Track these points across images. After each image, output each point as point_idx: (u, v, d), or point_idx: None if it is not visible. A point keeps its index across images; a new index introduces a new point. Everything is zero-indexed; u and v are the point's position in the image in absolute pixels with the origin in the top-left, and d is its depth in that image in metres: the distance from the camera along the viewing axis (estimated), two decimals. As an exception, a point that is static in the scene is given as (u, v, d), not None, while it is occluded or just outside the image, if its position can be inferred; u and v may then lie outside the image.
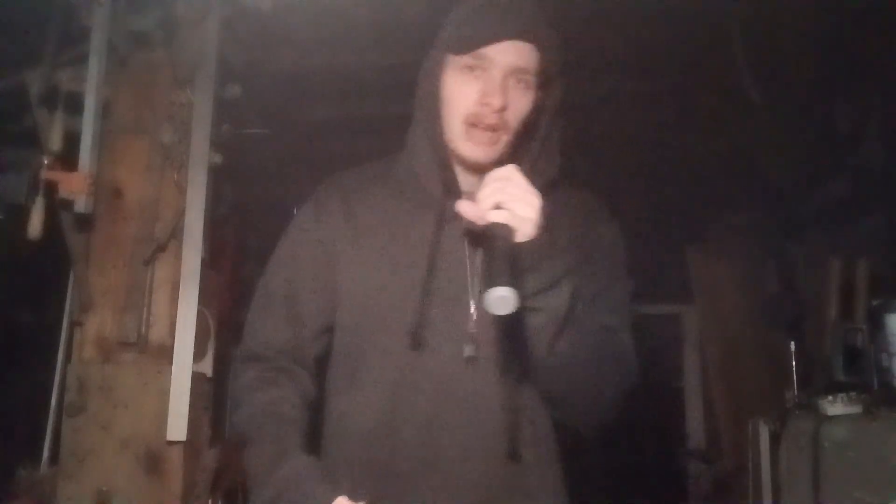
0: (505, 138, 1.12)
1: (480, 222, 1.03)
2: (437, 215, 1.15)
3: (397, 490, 1.11)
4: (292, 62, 2.60)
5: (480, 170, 1.11)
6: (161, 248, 2.05)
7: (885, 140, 2.63)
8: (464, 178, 1.18)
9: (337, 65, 2.65)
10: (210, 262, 2.12)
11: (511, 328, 1.07)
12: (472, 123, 1.11)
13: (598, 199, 1.30)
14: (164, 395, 1.93)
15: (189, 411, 1.92)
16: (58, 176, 1.93)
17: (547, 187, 1.10)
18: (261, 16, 2.16)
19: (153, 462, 1.93)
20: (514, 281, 0.95)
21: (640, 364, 1.19)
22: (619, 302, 1.19)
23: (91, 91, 1.97)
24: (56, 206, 1.97)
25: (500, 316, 0.97)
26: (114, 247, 2.07)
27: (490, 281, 0.95)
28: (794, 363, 2.61)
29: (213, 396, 2.19)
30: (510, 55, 1.10)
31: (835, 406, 2.09)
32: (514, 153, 1.15)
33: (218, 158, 2.10)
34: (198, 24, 2.11)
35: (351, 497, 1.03)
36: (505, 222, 1.00)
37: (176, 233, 2.04)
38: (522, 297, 0.98)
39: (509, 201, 1.00)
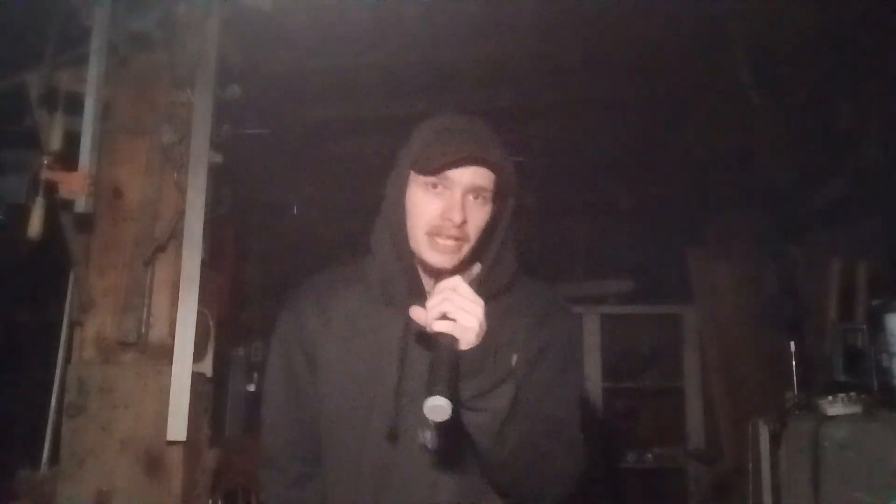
0: (466, 246, 1.23)
1: (428, 329, 1.12)
2: (404, 319, 1.22)
3: None
4: (292, 62, 2.60)
5: (443, 274, 1.21)
6: (161, 249, 2.05)
7: (885, 140, 2.63)
8: (427, 281, 1.28)
9: (336, 65, 2.65)
10: (210, 263, 2.12)
11: (455, 428, 1.15)
12: (435, 234, 1.21)
13: (554, 292, 1.41)
14: (164, 395, 1.93)
15: (189, 411, 1.92)
16: (58, 176, 1.92)
17: (504, 287, 1.25)
18: (261, 16, 2.16)
19: (153, 462, 1.93)
20: (450, 390, 1.04)
21: (587, 454, 1.27)
22: (570, 394, 1.29)
23: (91, 91, 1.97)
24: (56, 207, 1.97)
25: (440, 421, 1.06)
26: (114, 247, 2.07)
27: (428, 389, 1.04)
28: (794, 363, 2.61)
29: (213, 396, 2.19)
30: (468, 176, 1.20)
31: (835, 406, 2.09)
32: (474, 258, 1.26)
33: (218, 158, 2.09)
34: (198, 25, 2.11)
35: None
36: (449, 332, 1.08)
37: (176, 233, 2.04)
38: (466, 399, 1.10)
39: (454, 311, 1.09)
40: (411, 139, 1.28)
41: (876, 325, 2.14)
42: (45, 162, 1.95)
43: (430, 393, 1.03)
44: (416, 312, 1.15)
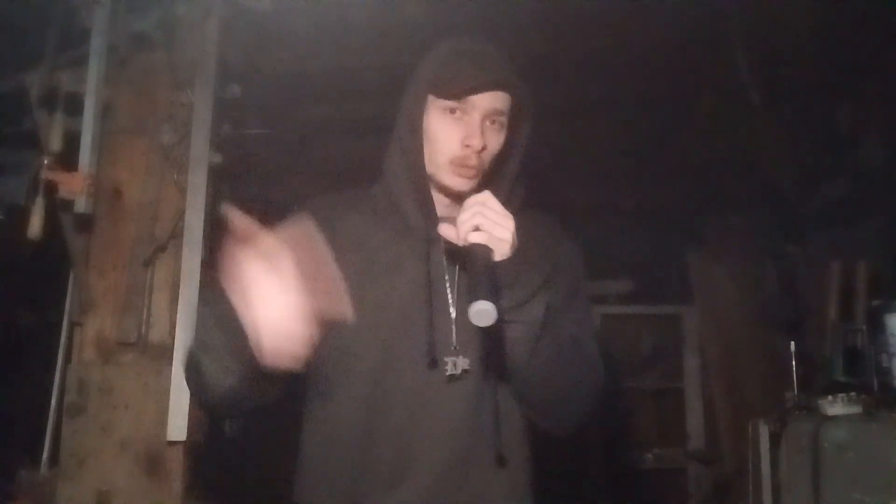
0: (480, 174, 1.24)
1: (460, 244, 1.13)
2: (424, 240, 1.24)
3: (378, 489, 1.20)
4: (292, 63, 2.60)
5: (457, 197, 1.24)
6: (161, 249, 2.05)
7: (885, 141, 2.63)
8: (440, 204, 1.29)
9: (336, 65, 2.65)
10: (210, 262, 2.12)
11: (493, 340, 1.16)
12: (457, 165, 1.22)
13: (557, 222, 1.43)
14: (164, 395, 1.93)
15: (189, 411, 1.92)
16: (58, 176, 1.93)
17: (516, 213, 1.19)
18: (260, 17, 2.16)
19: (153, 463, 1.93)
20: (493, 296, 1.04)
21: (607, 370, 1.30)
22: (582, 314, 1.31)
23: (91, 92, 1.97)
24: (56, 207, 1.97)
25: (481, 329, 1.06)
26: (114, 247, 2.07)
27: (473, 296, 1.03)
28: (794, 364, 2.61)
29: (212, 397, 2.18)
30: (488, 100, 1.22)
31: (835, 407, 2.09)
32: (488, 182, 1.26)
33: (218, 158, 2.09)
34: (198, 25, 2.11)
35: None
36: (484, 243, 1.10)
37: (176, 233, 2.04)
38: (502, 311, 1.07)
39: (487, 224, 1.11)
40: (427, 61, 1.27)
41: (876, 325, 2.14)
42: (45, 162, 1.95)
43: (475, 298, 1.03)
44: (445, 229, 1.16)
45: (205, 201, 2.02)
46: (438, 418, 1.20)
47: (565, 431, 1.28)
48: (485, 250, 1.10)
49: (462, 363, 1.21)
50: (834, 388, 2.21)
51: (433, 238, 1.24)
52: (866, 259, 2.60)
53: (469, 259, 1.10)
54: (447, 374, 1.20)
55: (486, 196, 1.13)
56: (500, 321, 1.07)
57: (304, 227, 1.08)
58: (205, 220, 2.01)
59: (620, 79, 2.78)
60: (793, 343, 2.66)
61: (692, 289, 4.13)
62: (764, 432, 2.49)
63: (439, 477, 1.19)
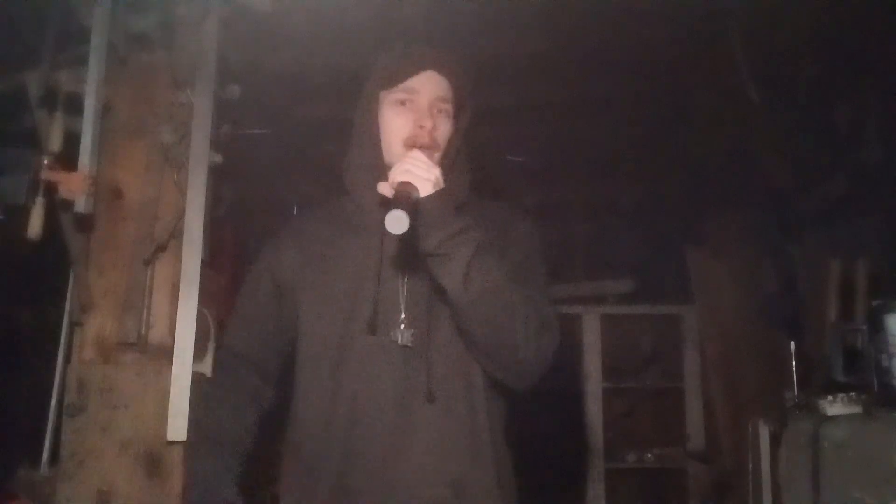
0: (436, 154, 1.38)
1: (391, 186, 1.26)
2: (380, 222, 1.30)
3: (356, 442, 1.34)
4: (292, 62, 2.60)
5: None
6: (161, 249, 2.05)
7: (884, 140, 2.63)
8: None
9: (337, 65, 2.65)
10: (210, 263, 2.11)
11: (431, 292, 1.33)
12: (410, 144, 1.35)
13: (519, 209, 1.54)
14: (164, 395, 1.92)
15: (189, 411, 1.92)
16: (58, 176, 1.92)
17: (458, 203, 1.35)
18: (260, 16, 2.16)
19: (153, 463, 1.93)
20: (410, 211, 1.17)
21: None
22: (536, 280, 1.39)
23: (91, 91, 1.96)
24: (56, 207, 1.97)
25: (421, 285, 1.29)
26: (114, 247, 2.07)
27: (390, 209, 1.17)
28: (793, 363, 2.61)
29: (213, 397, 2.18)
30: (432, 87, 1.39)
31: (834, 406, 2.09)
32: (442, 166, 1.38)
33: (218, 158, 2.09)
34: (197, 25, 2.11)
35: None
36: (407, 180, 1.24)
37: (176, 233, 2.04)
38: (432, 248, 1.24)
39: (412, 168, 1.25)
40: (375, 64, 1.44)
41: (875, 325, 2.13)
42: (45, 162, 1.95)
43: (391, 209, 1.16)
44: (381, 185, 1.30)
45: (205, 201, 2.02)
46: (385, 380, 1.34)
47: (518, 384, 1.35)
48: (409, 186, 1.24)
49: (407, 334, 1.34)
50: (834, 388, 2.20)
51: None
52: (866, 258, 2.60)
53: (395, 196, 1.23)
54: (398, 343, 1.34)
55: (416, 152, 1.28)
56: (431, 258, 1.25)
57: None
58: (205, 220, 2.01)
59: (620, 77, 2.78)
60: (793, 343, 2.66)
61: (692, 288, 4.13)
62: (764, 432, 2.50)
63: (384, 423, 1.33)
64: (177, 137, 2.06)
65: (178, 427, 1.91)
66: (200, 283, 1.99)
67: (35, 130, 2.08)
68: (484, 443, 1.35)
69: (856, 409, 2.07)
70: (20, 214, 2.06)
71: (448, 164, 1.39)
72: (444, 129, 1.39)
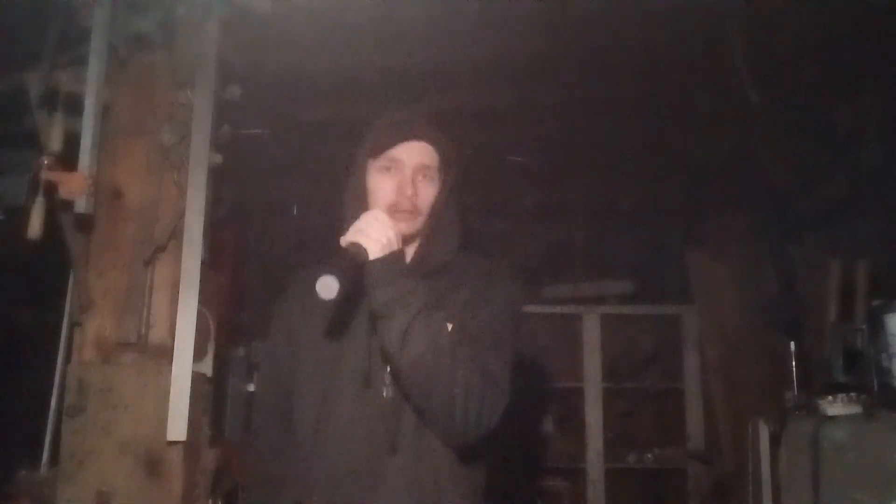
0: (420, 218, 1.44)
1: (343, 245, 1.30)
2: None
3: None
4: (292, 63, 2.60)
5: (402, 240, 1.38)
6: (161, 249, 2.05)
7: (884, 141, 2.63)
8: None
9: (336, 66, 2.65)
10: (210, 263, 2.12)
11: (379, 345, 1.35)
12: (393, 209, 1.41)
13: (504, 264, 1.54)
14: (164, 395, 1.93)
15: (189, 412, 1.92)
16: (58, 177, 1.92)
17: (442, 263, 1.45)
18: (260, 17, 2.16)
19: (153, 463, 1.93)
20: (345, 277, 1.21)
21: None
22: (499, 339, 1.39)
23: (91, 92, 1.96)
24: (56, 207, 1.97)
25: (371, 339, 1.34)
26: (114, 247, 2.07)
27: (332, 268, 1.22)
28: (793, 364, 2.61)
29: (213, 396, 2.19)
30: (415, 155, 1.44)
31: (834, 407, 2.09)
32: (426, 226, 1.46)
33: (218, 159, 2.09)
34: (198, 26, 2.11)
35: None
36: (357, 241, 1.29)
37: (176, 233, 2.04)
38: (377, 307, 1.29)
39: (364, 228, 1.31)
40: (366, 135, 1.50)
41: (876, 325, 2.14)
42: (45, 162, 1.95)
43: (331, 270, 1.21)
44: (341, 239, 1.33)
45: (205, 201, 2.02)
46: (360, 432, 1.38)
47: (450, 443, 1.36)
48: (358, 248, 1.28)
49: (391, 388, 1.37)
50: (834, 388, 2.21)
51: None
52: (866, 259, 2.60)
53: (336, 258, 1.27)
54: (384, 396, 1.38)
55: (376, 212, 1.35)
56: (376, 317, 1.30)
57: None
58: (205, 220, 2.01)
59: (621, 78, 2.78)
60: (793, 343, 2.67)
61: (692, 289, 4.13)
62: (764, 432, 2.50)
63: (355, 468, 1.37)
64: (177, 137, 2.06)
65: (177, 427, 1.91)
66: (200, 283, 1.99)
67: (35, 130, 2.08)
68: (449, 495, 1.37)
69: (856, 409, 2.07)
70: (20, 214, 2.06)
71: (433, 225, 1.46)
72: (426, 194, 1.45)
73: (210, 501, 2.12)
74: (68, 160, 1.96)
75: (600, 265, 4.41)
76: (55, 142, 1.99)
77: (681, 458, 4.20)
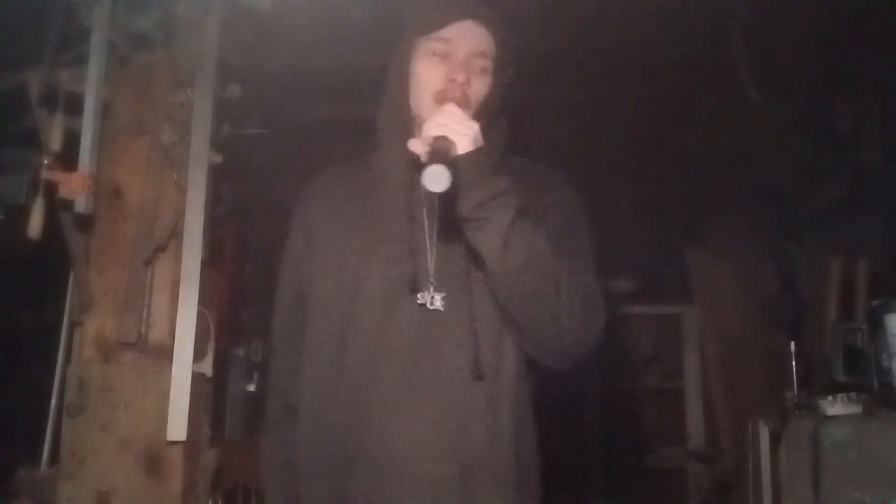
0: (467, 112, 1.21)
1: (425, 143, 1.14)
2: (407, 178, 1.25)
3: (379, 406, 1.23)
4: (292, 62, 2.60)
5: None
6: (161, 249, 2.05)
7: (884, 140, 2.63)
8: None
9: (336, 65, 2.65)
10: (210, 262, 2.12)
11: (467, 257, 1.21)
12: (441, 98, 1.23)
13: (558, 170, 1.40)
14: (164, 395, 1.92)
15: (189, 411, 1.92)
16: (58, 176, 1.92)
17: (499, 154, 1.29)
18: (260, 16, 2.15)
19: (153, 462, 1.93)
20: (448, 167, 1.06)
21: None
22: (579, 250, 1.28)
23: (91, 91, 1.96)
24: (56, 207, 1.97)
25: (454, 248, 1.17)
26: (114, 247, 2.07)
27: (428, 163, 1.08)
28: (794, 363, 2.61)
29: (213, 396, 2.19)
30: (470, 39, 1.26)
31: (835, 406, 2.09)
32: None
33: (218, 158, 2.09)
34: (197, 25, 2.11)
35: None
36: (444, 134, 1.12)
37: (176, 233, 2.04)
38: (468, 211, 1.13)
39: (448, 122, 1.13)
40: (413, 10, 1.32)
41: (876, 325, 2.14)
42: (45, 162, 1.95)
43: (430, 164, 1.06)
44: (413, 143, 1.19)
45: (205, 201, 2.02)
46: (403, 343, 1.23)
47: (559, 364, 1.23)
48: (445, 142, 1.12)
49: (438, 298, 1.23)
50: (834, 388, 2.20)
51: (414, 182, 1.23)
52: (866, 258, 2.60)
53: (431, 151, 1.11)
54: (428, 307, 1.23)
55: (450, 106, 1.16)
56: (466, 223, 1.14)
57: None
58: (205, 220, 2.01)
59: (621, 78, 2.78)
60: (793, 343, 2.66)
61: (692, 289, 4.13)
62: (764, 432, 2.49)
63: (393, 390, 1.23)
64: (177, 137, 2.06)
65: (177, 427, 1.91)
66: (200, 283, 1.99)
67: (35, 130, 2.08)
68: (505, 422, 1.23)
69: (856, 409, 2.07)
70: (20, 214, 2.06)
71: (483, 125, 1.23)
72: (479, 87, 1.27)
73: (210, 501, 2.12)
74: (68, 159, 1.96)
75: (600, 264, 4.41)
76: (55, 141, 1.99)
77: (681, 458, 4.20)
